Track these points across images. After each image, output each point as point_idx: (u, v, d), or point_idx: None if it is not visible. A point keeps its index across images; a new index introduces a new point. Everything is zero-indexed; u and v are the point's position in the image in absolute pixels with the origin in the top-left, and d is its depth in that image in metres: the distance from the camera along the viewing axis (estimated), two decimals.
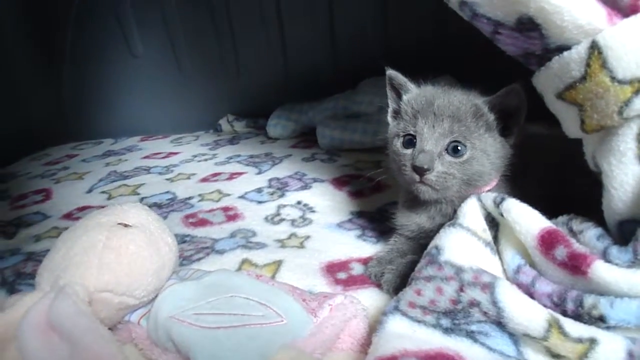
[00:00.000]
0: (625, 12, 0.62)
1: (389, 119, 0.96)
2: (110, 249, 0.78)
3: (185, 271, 0.90)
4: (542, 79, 0.70)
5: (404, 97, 0.91)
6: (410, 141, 0.86)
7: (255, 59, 2.16)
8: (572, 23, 0.63)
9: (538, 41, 0.67)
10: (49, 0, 2.05)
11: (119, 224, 0.83)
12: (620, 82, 0.61)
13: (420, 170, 0.82)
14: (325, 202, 1.28)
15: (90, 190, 1.55)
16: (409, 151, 0.85)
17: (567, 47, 0.64)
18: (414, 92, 0.91)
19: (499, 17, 0.68)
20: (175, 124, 2.27)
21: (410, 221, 0.94)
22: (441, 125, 0.83)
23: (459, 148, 0.83)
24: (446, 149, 0.83)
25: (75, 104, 2.23)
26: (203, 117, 2.28)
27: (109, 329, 0.76)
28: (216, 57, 2.18)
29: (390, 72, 0.93)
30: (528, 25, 0.66)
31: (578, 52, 0.63)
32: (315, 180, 1.45)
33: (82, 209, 1.39)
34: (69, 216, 1.34)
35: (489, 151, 0.84)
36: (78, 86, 2.20)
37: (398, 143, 0.88)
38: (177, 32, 2.14)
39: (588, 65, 0.62)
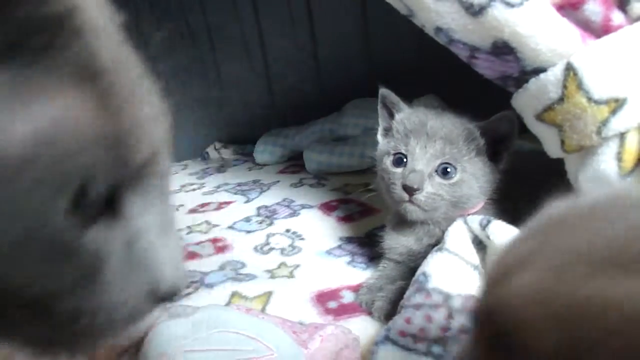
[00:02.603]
0: (598, 33, 0.63)
1: (379, 137, 0.97)
2: None
3: (175, 308, 0.90)
4: (521, 100, 0.71)
5: (397, 116, 0.92)
6: (400, 160, 0.86)
7: (240, 86, 2.16)
8: (546, 46, 0.63)
9: (514, 64, 0.68)
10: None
11: None
12: (596, 102, 0.61)
13: (410, 190, 0.82)
14: (314, 229, 1.27)
15: None
16: (399, 170, 0.86)
17: (544, 69, 0.65)
18: (406, 112, 0.92)
19: (474, 42, 0.69)
20: None
21: (398, 244, 0.93)
22: (433, 146, 0.83)
23: (449, 170, 0.83)
24: (436, 170, 0.83)
25: None
26: (190, 146, 2.27)
27: None
28: (200, 84, 2.18)
29: (383, 90, 0.94)
30: (503, 49, 0.67)
31: (554, 74, 0.64)
32: (303, 206, 1.44)
33: None
34: None
35: (478, 175, 0.85)
36: None
37: (388, 161, 0.88)
38: (160, 61, 2.13)
39: (565, 86, 0.63)
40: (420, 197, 0.82)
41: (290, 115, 2.03)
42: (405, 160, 0.85)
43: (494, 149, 0.86)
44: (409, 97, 1.68)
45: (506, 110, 0.80)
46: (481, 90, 0.89)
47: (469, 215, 0.82)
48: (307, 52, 2.06)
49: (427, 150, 0.84)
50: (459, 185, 0.84)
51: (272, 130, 2.04)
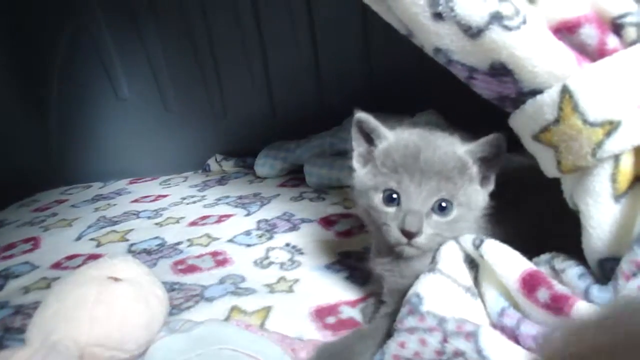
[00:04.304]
0: (593, 57, 0.64)
1: (355, 164, 0.87)
2: (101, 304, 0.79)
3: (175, 322, 0.90)
4: (518, 121, 0.72)
5: (380, 146, 0.83)
6: (390, 197, 0.79)
7: (241, 98, 2.18)
8: (543, 68, 0.64)
9: (511, 85, 0.69)
10: (34, 46, 2.07)
11: (110, 278, 0.84)
12: (591, 124, 0.62)
13: (410, 235, 0.76)
14: (314, 243, 1.28)
15: (79, 238, 1.54)
16: (392, 210, 0.79)
17: (540, 91, 0.66)
18: (390, 140, 0.83)
19: (472, 63, 0.70)
20: (164, 165, 2.28)
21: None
22: (428, 183, 0.77)
23: (446, 207, 0.78)
24: (432, 208, 0.78)
25: (64, 148, 2.23)
26: (191, 158, 2.29)
27: None
28: (202, 97, 2.19)
29: (360, 115, 0.84)
30: (501, 71, 0.68)
31: (550, 96, 0.65)
32: (303, 220, 1.45)
33: (71, 257, 1.38)
34: (57, 265, 1.33)
35: (472, 205, 0.80)
36: (66, 130, 2.21)
37: (377, 199, 0.80)
38: (162, 74, 2.16)
39: (560, 108, 0.64)
40: (421, 240, 0.77)
41: (291, 129, 2.04)
42: (396, 198, 0.79)
43: (484, 172, 0.82)
44: (409, 112, 1.71)
45: (495, 133, 0.77)
46: (481, 106, 0.88)
47: None
48: (309, 66, 2.08)
49: (422, 188, 0.77)
50: (456, 221, 0.79)
51: (273, 144, 2.06)
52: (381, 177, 0.81)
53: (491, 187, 0.82)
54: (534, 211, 0.85)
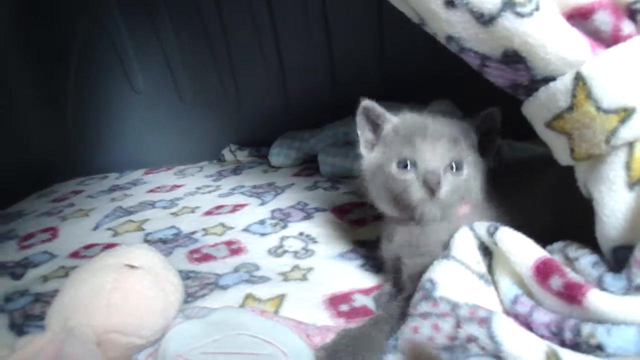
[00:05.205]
0: (608, 43, 0.64)
1: (363, 150, 0.95)
2: (117, 291, 0.80)
3: (190, 309, 0.91)
4: (531, 108, 0.71)
5: (388, 125, 0.91)
6: (405, 164, 0.84)
7: (255, 88, 2.18)
8: (556, 55, 0.64)
9: (524, 73, 0.68)
10: (50, 40, 2.09)
11: (126, 265, 0.86)
12: (605, 111, 0.62)
13: (432, 187, 0.81)
14: (328, 232, 1.29)
15: (96, 228, 1.56)
16: (410, 174, 0.84)
17: (553, 78, 0.66)
18: (396, 121, 0.91)
19: (485, 51, 0.70)
20: (179, 155, 2.29)
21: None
22: (441, 146, 0.83)
23: (458, 166, 0.84)
24: (446, 167, 0.84)
25: (80, 139, 2.25)
26: (206, 148, 2.30)
27: None
28: (217, 88, 2.20)
29: (367, 102, 0.91)
30: (514, 58, 0.67)
31: (564, 83, 0.64)
32: (317, 209, 1.46)
33: (89, 247, 1.40)
34: (75, 255, 1.35)
35: (478, 169, 0.87)
36: (82, 123, 2.23)
37: (393, 169, 0.86)
38: (177, 65, 2.17)
39: (574, 95, 0.64)
40: (441, 193, 0.81)
41: (305, 119, 2.04)
42: (411, 165, 0.84)
43: (483, 144, 0.89)
44: (423, 102, 1.70)
45: (492, 107, 0.87)
46: (495, 95, 0.89)
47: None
48: (322, 56, 2.07)
49: (435, 151, 0.83)
50: (467, 180, 0.85)
51: (287, 133, 2.06)
52: (392, 151, 0.87)
53: (491, 159, 0.90)
54: (547, 198, 0.87)
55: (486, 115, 0.88)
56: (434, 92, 1.75)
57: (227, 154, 2.26)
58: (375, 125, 0.93)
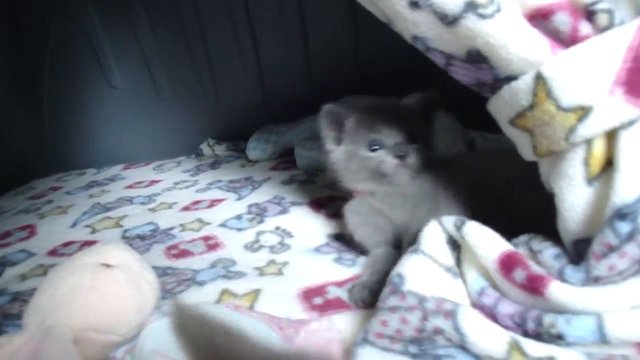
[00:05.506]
0: (567, 43, 0.65)
1: (330, 146, 1.09)
2: (94, 290, 0.81)
3: (167, 306, 0.92)
4: (495, 106, 0.73)
5: (350, 119, 1.05)
6: (374, 145, 1.01)
7: (233, 83, 2.18)
8: (517, 55, 0.66)
9: (488, 72, 0.70)
10: (25, 35, 2.07)
11: (102, 264, 0.87)
12: (564, 110, 0.64)
13: (403, 155, 0.98)
14: (304, 226, 1.31)
15: (74, 225, 1.56)
16: (380, 152, 1.00)
17: (515, 77, 0.67)
18: (356, 113, 1.05)
19: (450, 51, 0.71)
20: (157, 150, 2.29)
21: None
22: (397, 125, 1.00)
23: (414, 138, 1.01)
24: (407, 140, 1.00)
25: (58, 135, 2.25)
26: (184, 142, 2.30)
27: None
28: (194, 83, 2.20)
29: (329, 106, 1.06)
30: (477, 58, 0.69)
31: (525, 82, 0.66)
32: (293, 203, 1.47)
33: (67, 244, 1.40)
34: (53, 253, 1.36)
35: (427, 142, 1.04)
36: (60, 118, 2.23)
37: (364, 152, 1.02)
38: (154, 61, 2.16)
39: (535, 94, 0.65)
40: (410, 159, 0.98)
41: (282, 113, 2.05)
42: (379, 146, 1.00)
43: (426, 123, 1.08)
44: (398, 95, 1.72)
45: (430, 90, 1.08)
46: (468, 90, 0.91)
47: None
48: (299, 51, 2.08)
49: (395, 130, 1.00)
50: (423, 148, 1.01)
51: (264, 127, 2.07)
52: (360, 139, 1.02)
53: (432, 138, 1.08)
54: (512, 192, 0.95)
55: (423, 97, 1.08)
56: (410, 86, 1.77)
57: (205, 148, 2.27)
58: (339, 123, 1.06)
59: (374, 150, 1.00)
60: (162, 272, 1.12)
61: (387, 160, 0.99)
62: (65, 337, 0.75)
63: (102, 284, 0.82)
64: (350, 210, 1.11)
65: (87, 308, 0.79)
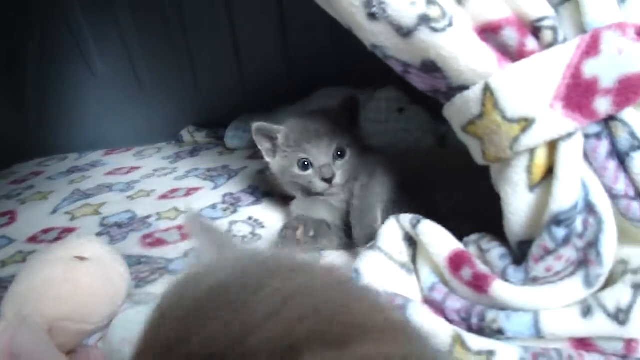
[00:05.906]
0: (514, 57, 0.69)
1: (267, 158, 1.21)
2: (68, 282, 0.85)
3: (138, 295, 0.97)
4: (449, 112, 0.77)
5: (280, 135, 1.15)
6: (304, 164, 1.11)
7: (213, 71, 2.20)
8: (467, 67, 0.69)
9: (442, 81, 0.74)
10: (8, 23, 2.08)
11: (76, 257, 0.90)
12: (509, 120, 0.68)
13: (328, 178, 1.07)
14: (275, 217, 1.34)
15: (54, 211, 1.58)
16: (309, 171, 1.11)
17: (467, 87, 0.71)
18: (285, 129, 1.15)
19: (406, 60, 0.75)
20: (138, 136, 2.31)
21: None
22: (323, 143, 1.09)
23: (342, 152, 1.11)
24: (333, 157, 1.10)
25: (40, 120, 2.26)
26: (165, 129, 2.32)
27: (69, 352, 0.84)
28: (174, 70, 2.22)
29: (257, 124, 1.17)
30: (431, 68, 0.73)
31: (474, 93, 0.70)
32: (266, 194, 1.51)
33: (46, 231, 1.43)
34: (33, 239, 1.38)
35: (355, 145, 1.13)
36: (41, 103, 2.24)
37: (296, 170, 1.12)
38: (135, 48, 2.18)
39: (483, 104, 0.69)
40: (337, 180, 1.09)
41: (260, 101, 2.08)
42: (308, 163, 1.10)
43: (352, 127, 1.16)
44: (375, 87, 1.75)
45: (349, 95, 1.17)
46: None
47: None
48: (278, 40, 2.11)
49: (321, 149, 1.09)
50: (351, 159, 1.11)
51: (242, 116, 2.10)
52: (291, 154, 1.13)
53: (360, 139, 1.16)
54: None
55: (343, 103, 1.17)
56: (387, 75, 1.80)
57: (185, 135, 2.29)
58: (271, 137, 1.17)
59: (303, 169, 1.11)
60: (136, 261, 1.15)
61: (314, 181, 1.09)
62: (39, 327, 0.79)
63: (75, 277, 0.86)
64: (296, 207, 1.21)
65: (60, 300, 0.83)
